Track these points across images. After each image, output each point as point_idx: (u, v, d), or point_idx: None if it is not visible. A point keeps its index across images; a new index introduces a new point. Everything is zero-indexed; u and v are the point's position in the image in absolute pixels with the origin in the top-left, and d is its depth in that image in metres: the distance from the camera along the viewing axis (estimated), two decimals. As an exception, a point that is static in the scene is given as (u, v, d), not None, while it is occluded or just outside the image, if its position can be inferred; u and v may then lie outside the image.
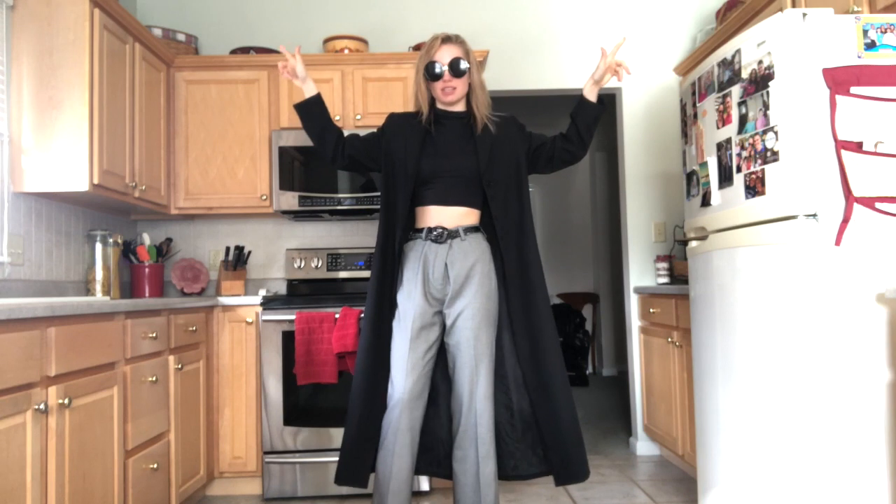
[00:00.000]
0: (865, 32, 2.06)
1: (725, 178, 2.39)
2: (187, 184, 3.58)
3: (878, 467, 1.99)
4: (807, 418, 2.03)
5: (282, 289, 3.89)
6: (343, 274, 3.79)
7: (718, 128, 2.41)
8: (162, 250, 3.63)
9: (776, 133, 2.11)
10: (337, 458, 3.10)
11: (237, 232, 3.92)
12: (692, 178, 2.67)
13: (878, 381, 2.00)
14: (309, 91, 2.42)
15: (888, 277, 2.01)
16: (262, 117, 3.61)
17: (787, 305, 2.09)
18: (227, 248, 3.71)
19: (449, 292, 2.35)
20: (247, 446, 3.24)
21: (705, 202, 2.54)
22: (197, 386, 3.05)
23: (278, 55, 3.65)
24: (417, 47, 3.71)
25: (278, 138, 3.54)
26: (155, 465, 2.57)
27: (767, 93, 2.13)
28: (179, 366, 2.83)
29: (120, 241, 3.28)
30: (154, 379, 2.58)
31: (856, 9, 2.35)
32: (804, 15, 2.07)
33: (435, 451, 2.45)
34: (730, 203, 2.37)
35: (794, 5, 2.68)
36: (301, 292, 3.78)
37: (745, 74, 2.24)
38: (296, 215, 3.71)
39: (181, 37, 3.69)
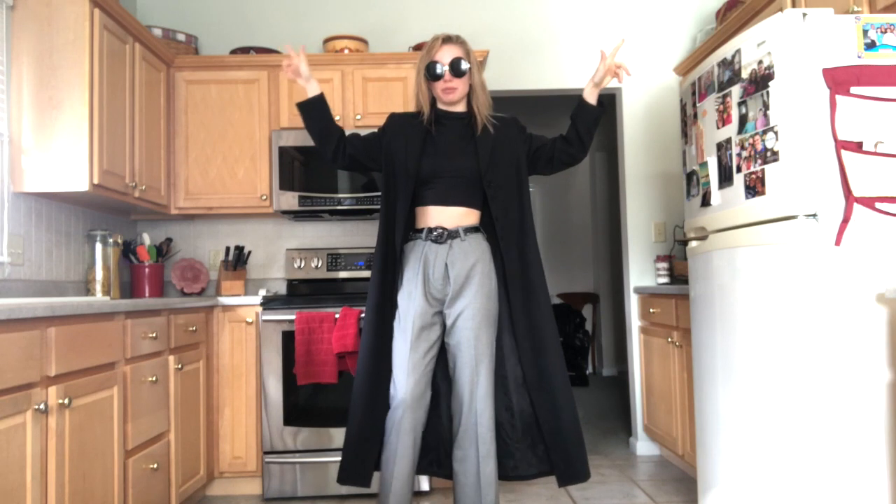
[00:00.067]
0: (865, 32, 2.06)
1: (725, 178, 2.39)
2: (187, 184, 3.58)
3: (878, 467, 1.99)
4: (807, 418, 2.03)
5: (282, 289, 3.89)
6: (343, 274, 3.79)
7: (718, 128, 2.41)
8: (162, 250, 3.63)
9: (776, 133, 2.11)
10: (337, 458, 3.12)
11: (237, 232, 3.92)
12: (692, 178, 2.67)
13: (878, 381, 2.00)
14: (312, 91, 2.42)
15: (888, 277, 2.01)
16: (262, 117, 3.61)
17: (787, 305, 2.09)
18: (227, 248, 3.71)
19: (449, 292, 2.35)
20: (247, 446, 3.24)
21: (705, 202, 2.54)
22: (197, 386, 3.05)
23: (278, 55, 3.66)
24: (417, 47, 3.71)
25: (278, 138, 3.54)
26: (155, 465, 2.58)
27: (767, 93, 2.13)
28: (179, 366, 2.83)
29: (120, 241, 3.28)
30: (154, 379, 2.58)
31: (856, 9, 2.36)
32: (804, 15, 2.07)
33: (435, 451, 2.45)
34: (730, 203, 2.37)
35: (794, 5, 2.68)
36: (301, 292, 3.78)
37: (745, 74, 2.24)
38: (296, 215, 3.71)
39: (181, 37, 3.69)
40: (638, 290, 3.90)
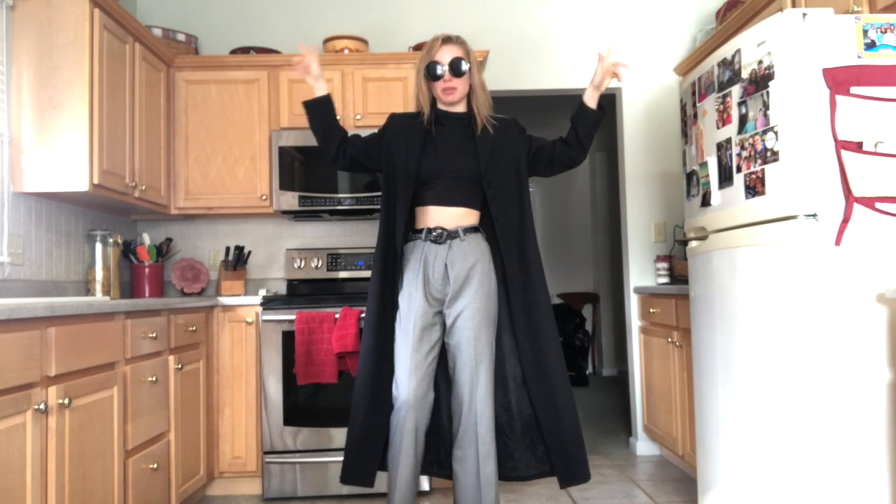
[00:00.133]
0: (865, 32, 2.06)
1: (725, 178, 2.39)
2: (187, 184, 3.58)
3: (878, 467, 1.99)
4: (807, 418, 2.03)
5: (282, 289, 3.89)
6: (343, 274, 3.79)
7: (718, 128, 2.41)
8: (162, 250, 3.63)
9: (776, 133, 2.11)
10: (337, 458, 3.12)
11: (237, 232, 3.92)
12: (692, 178, 2.67)
13: (878, 381, 2.00)
14: (320, 90, 2.43)
15: (888, 277, 2.01)
16: (262, 117, 3.61)
17: (787, 305, 2.09)
18: (227, 248, 3.71)
19: (449, 293, 2.36)
20: (247, 446, 3.24)
21: (705, 202, 2.54)
22: (197, 386, 3.05)
23: (278, 55, 3.66)
24: (417, 47, 3.71)
25: (278, 138, 3.54)
26: (155, 465, 2.58)
27: (767, 93, 2.13)
28: (179, 366, 2.83)
29: (120, 241, 3.28)
30: (154, 379, 2.58)
31: (856, 9, 2.35)
32: (804, 15, 2.07)
33: (435, 451, 2.45)
34: (730, 203, 2.37)
35: (794, 5, 2.68)
36: (301, 292, 3.78)
37: (745, 74, 2.24)
38: (296, 215, 3.71)
39: (181, 37, 3.69)
40: (638, 290, 3.90)
